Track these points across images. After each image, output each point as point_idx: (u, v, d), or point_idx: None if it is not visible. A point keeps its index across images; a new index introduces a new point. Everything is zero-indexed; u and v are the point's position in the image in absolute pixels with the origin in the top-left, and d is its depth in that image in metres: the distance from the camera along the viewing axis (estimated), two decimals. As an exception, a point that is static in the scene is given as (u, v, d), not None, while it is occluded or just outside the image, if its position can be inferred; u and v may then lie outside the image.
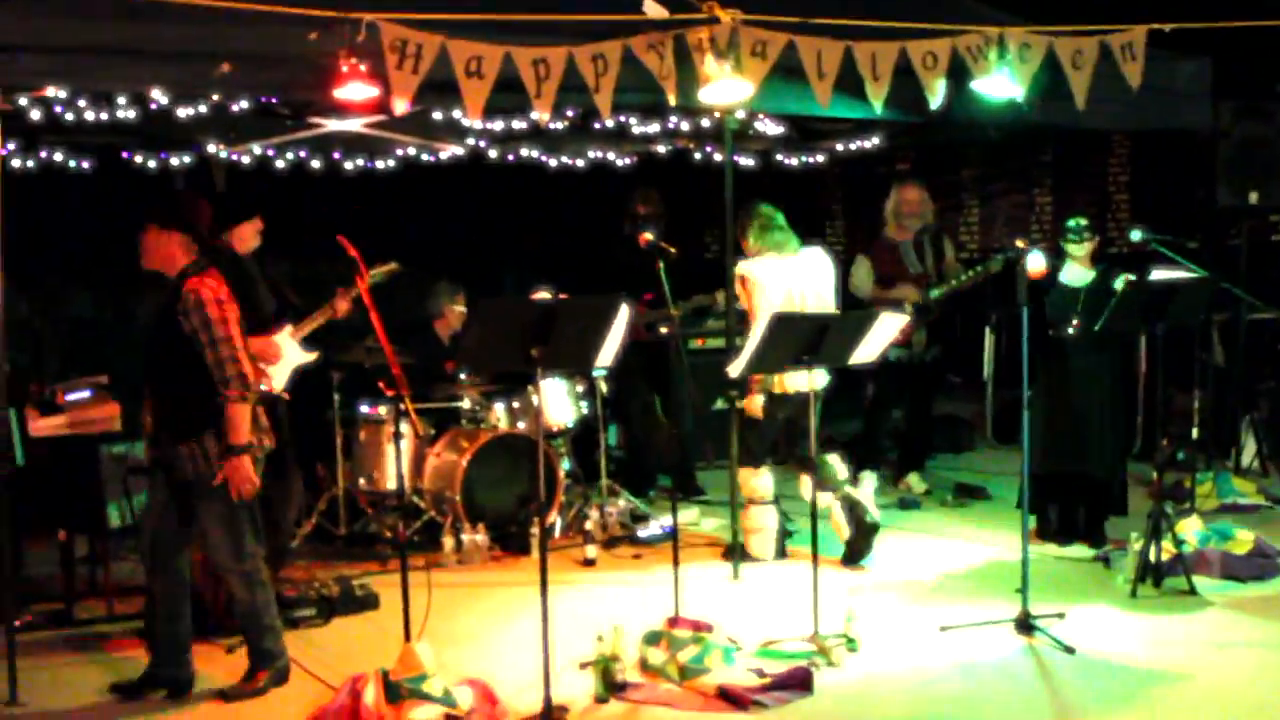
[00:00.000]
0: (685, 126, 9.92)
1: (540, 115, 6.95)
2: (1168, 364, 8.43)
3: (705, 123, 9.67)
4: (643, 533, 8.85)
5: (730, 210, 7.96)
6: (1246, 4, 8.17)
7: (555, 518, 8.91)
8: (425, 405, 8.86)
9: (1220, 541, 7.91)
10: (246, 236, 7.73)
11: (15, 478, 6.28)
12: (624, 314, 5.81)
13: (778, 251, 8.08)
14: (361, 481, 8.94)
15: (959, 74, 7.75)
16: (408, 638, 5.90)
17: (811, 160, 11.84)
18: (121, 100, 7.72)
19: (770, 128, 10.10)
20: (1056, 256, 8.28)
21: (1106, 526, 8.35)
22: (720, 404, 8.11)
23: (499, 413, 9.13)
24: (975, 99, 7.94)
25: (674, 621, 6.55)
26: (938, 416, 11.24)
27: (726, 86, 7.08)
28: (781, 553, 8.29)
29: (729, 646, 6.39)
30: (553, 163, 11.33)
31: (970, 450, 12.02)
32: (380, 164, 11.10)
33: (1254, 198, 10.61)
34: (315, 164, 10.68)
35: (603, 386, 9.30)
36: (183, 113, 7.96)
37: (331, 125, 9.18)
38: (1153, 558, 7.43)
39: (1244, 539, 7.93)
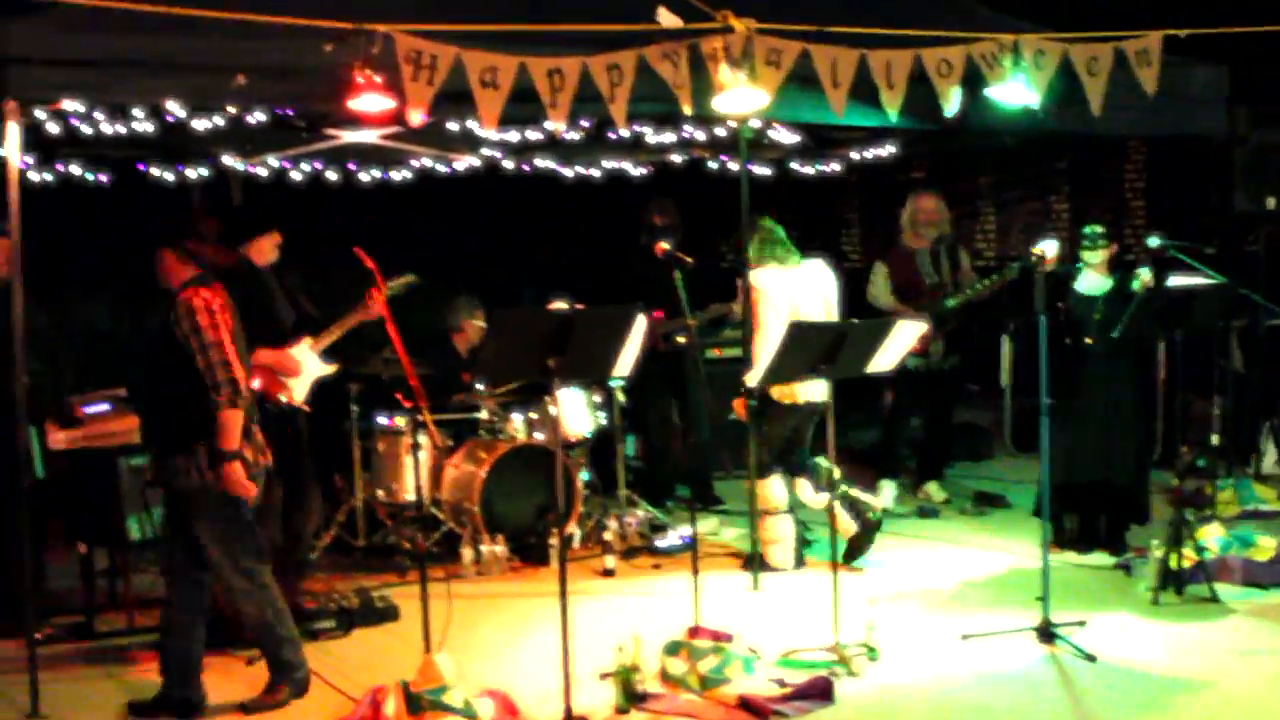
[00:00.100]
0: (700, 136, 9.90)
1: (555, 125, 6.96)
2: (1187, 370, 8.42)
3: (720, 132, 9.65)
4: (661, 543, 8.83)
5: (745, 220, 7.94)
6: (1263, 9, 8.14)
7: (574, 528, 8.90)
8: (443, 416, 8.86)
9: (1242, 548, 7.88)
10: (265, 250, 7.75)
11: (35, 491, 6.31)
12: (640, 324, 5.81)
13: (780, 264, 8.12)
14: (380, 493, 8.94)
15: (974, 81, 7.74)
16: (428, 649, 5.91)
17: (827, 169, 11.82)
18: (139, 113, 7.72)
19: (785, 136, 10.08)
20: (1073, 264, 8.25)
21: (1127, 534, 8.32)
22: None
23: (517, 424, 9.13)
24: (990, 106, 7.93)
25: (694, 631, 6.55)
26: (956, 425, 11.21)
27: (741, 95, 7.07)
28: (800, 562, 8.28)
29: (749, 656, 6.38)
30: (568, 173, 11.32)
31: (989, 458, 11.98)
32: (396, 175, 11.10)
33: (1271, 203, 10.59)
34: (331, 176, 10.68)
35: (620, 397, 9.30)
36: (199, 125, 7.97)
37: (347, 137, 9.19)
38: (1174, 565, 7.40)
39: (1266, 545, 7.90)
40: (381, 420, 8.99)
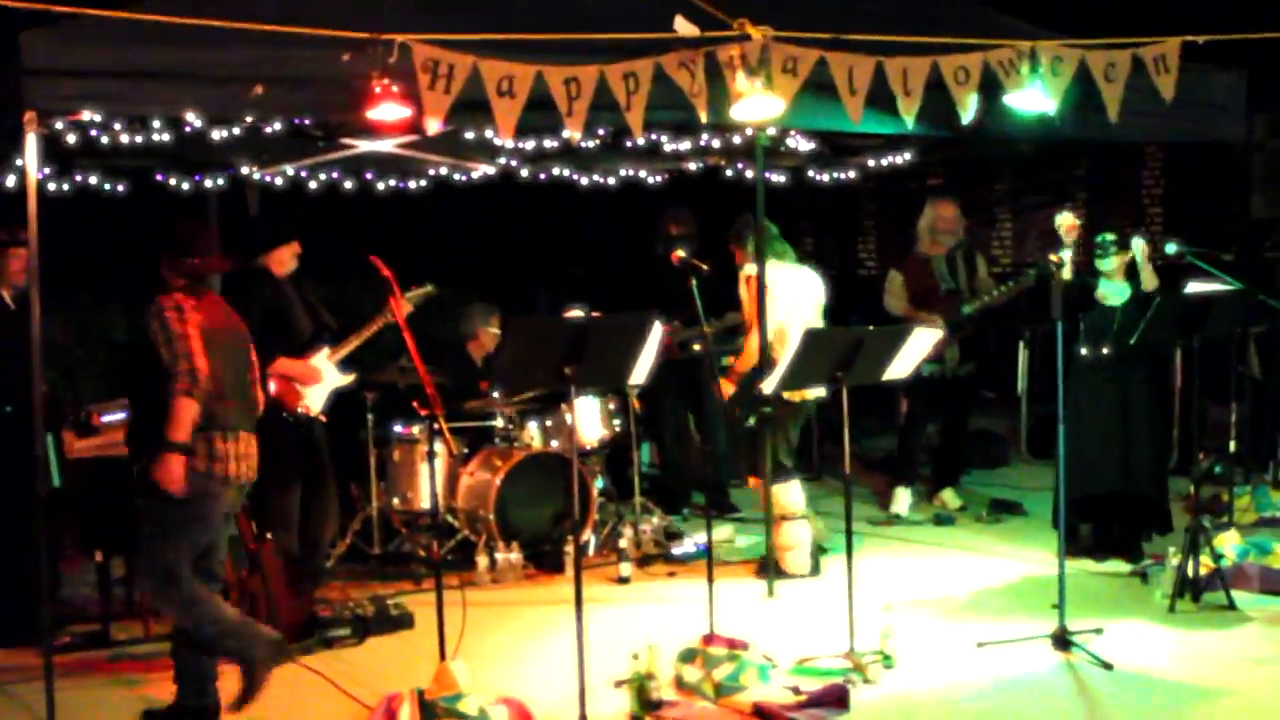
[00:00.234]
0: (716, 144, 9.91)
1: (572, 134, 6.96)
2: (1204, 377, 8.39)
3: (737, 140, 9.67)
4: (677, 550, 8.84)
5: (760, 226, 7.94)
6: (1282, 16, 8.14)
7: (589, 536, 8.91)
8: (459, 425, 8.88)
9: (1259, 555, 7.86)
10: (284, 260, 7.80)
11: (52, 499, 6.32)
12: (656, 331, 5.81)
13: (778, 258, 8.26)
14: (395, 501, 8.95)
15: (991, 88, 7.73)
16: (443, 657, 5.91)
17: (843, 176, 11.82)
18: (156, 123, 7.77)
19: (802, 144, 10.09)
20: (1091, 275, 8.23)
21: (1149, 542, 8.29)
22: (752, 421, 8.11)
23: (532, 431, 9.14)
24: (1007, 113, 7.92)
25: (709, 639, 6.54)
26: (972, 432, 11.19)
27: (758, 103, 7.07)
28: (816, 569, 8.27)
29: (764, 664, 6.37)
30: (584, 181, 11.34)
31: (1005, 466, 11.97)
32: (412, 184, 11.13)
33: (1289, 210, 10.57)
34: (348, 185, 10.72)
35: (636, 404, 9.30)
36: (216, 135, 8.00)
37: (364, 146, 9.22)
38: (1190, 572, 7.38)
39: (1283, 553, 7.89)
40: (397, 429, 9.00)
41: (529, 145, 9.53)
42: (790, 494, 8.21)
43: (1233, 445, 9.57)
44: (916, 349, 6.76)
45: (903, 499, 9.95)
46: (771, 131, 8.66)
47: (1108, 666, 6.39)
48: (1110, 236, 8.25)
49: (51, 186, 9.39)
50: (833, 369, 6.54)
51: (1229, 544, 7.90)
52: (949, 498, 10.22)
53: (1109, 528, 8.35)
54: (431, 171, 10.84)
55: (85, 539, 7.52)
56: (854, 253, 16.46)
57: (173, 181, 10.10)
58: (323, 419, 7.76)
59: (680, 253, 7.98)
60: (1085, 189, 14.51)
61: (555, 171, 11.03)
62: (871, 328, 6.76)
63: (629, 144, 9.36)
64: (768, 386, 6.90)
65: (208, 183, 10.25)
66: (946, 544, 9.16)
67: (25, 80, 6.03)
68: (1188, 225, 12.51)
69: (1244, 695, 6.11)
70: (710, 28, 7.08)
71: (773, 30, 7.12)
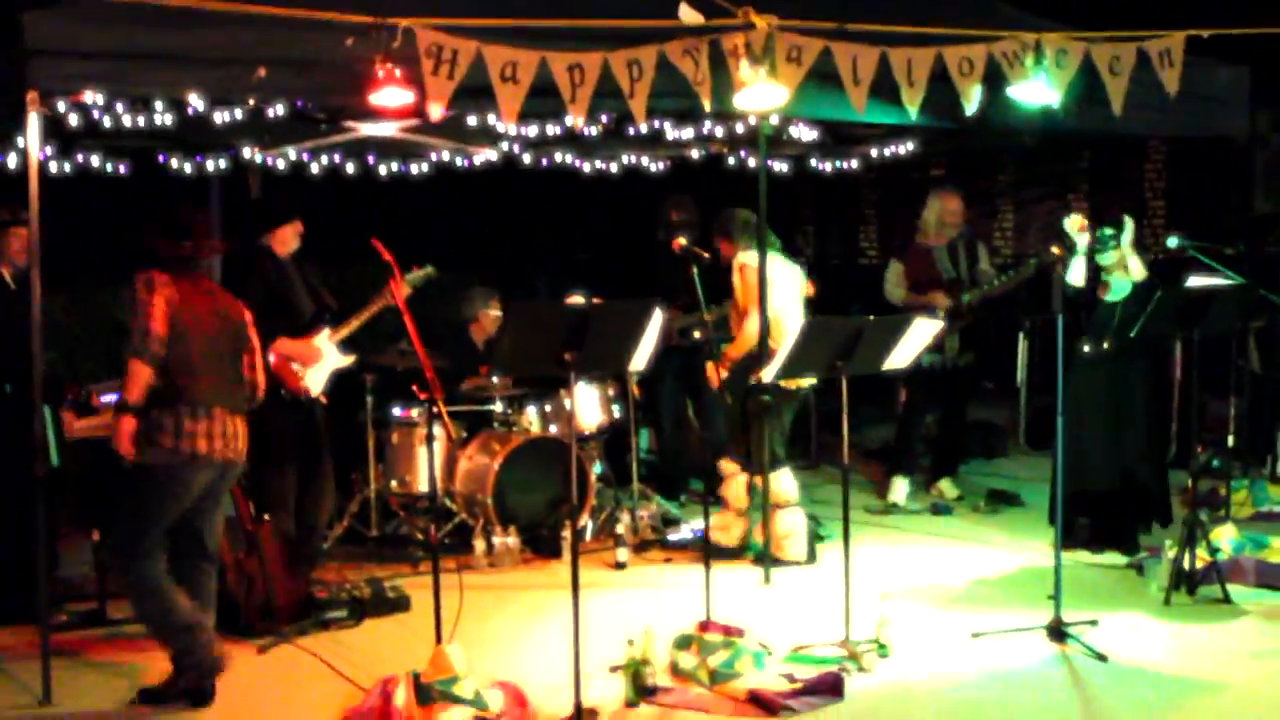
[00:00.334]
0: (720, 132, 9.91)
1: (575, 120, 6.96)
2: (1203, 371, 8.39)
3: (740, 128, 9.66)
4: (674, 536, 8.86)
5: (763, 215, 7.95)
6: (1286, 11, 8.13)
7: (586, 521, 8.92)
8: (457, 408, 8.89)
9: (1255, 549, 7.87)
10: (286, 239, 7.81)
11: (51, 478, 6.33)
12: (657, 318, 5.82)
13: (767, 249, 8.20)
14: (394, 484, 8.96)
15: (995, 80, 7.73)
16: (439, 640, 5.92)
17: (846, 166, 11.82)
18: (158, 105, 7.76)
19: (805, 133, 10.08)
20: (1095, 273, 8.21)
21: (1149, 534, 8.30)
22: (735, 403, 8.15)
23: (531, 416, 9.15)
24: (1011, 105, 7.91)
25: (705, 626, 6.55)
26: (971, 422, 11.20)
27: (761, 92, 7.07)
28: (813, 556, 8.29)
29: (760, 651, 6.39)
30: (586, 168, 11.33)
31: (1003, 456, 11.98)
32: (414, 168, 11.13)
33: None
34: (350, 168, 10.71)
35: (635, 390, 9.31)
36: (219, 117, 7.99)
37: (366, 130, 9.21)
38: (1187, 565, 7.39)
39: (1279, 547, 7.88)
40: (396, 411, 9.01)
41: (532, 131, 9.53)
42: (782, 481, 8.22)
43: (1231, 439, 9.60)
44: (917, 339, 6.77)
45: (900, 488, 9.96)
46: (775, 120, 8.65)
47: (1102, 658, 6.40)
48: (1110, 231, 8.24)
49: (53, 167, 9.38)
50: (833, 358, 6.55)
51: (1225, 538, 7.90)
52: (946, 487, 10.23)
53: (1105, 521, 8.35)
54: (434, 156, 10.83)
55: (83, 518, 7.54)
56: (855, 242, 16.47)
57: (174, 163, 10.10)
58: (323, 400, 7.76)
59: (681, 240, 8.00)
60: (1087, 182, 14.53)
61: (558, 158, 11.02)
62: (872, 317, 6.76)
63: (632, 131, 9.35)
64: (767, 374, 6.91)
65: (209, 165, 10.24)
66: (943, 534, 9.17)
67: (28, 60, 6.03)
68: (1189, 219, 12.52)
69: (1239, 688, 6.12)
70: (715, 16, 7.07)
71: (777, 19, 7.12)
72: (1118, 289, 8.14)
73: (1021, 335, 12.22)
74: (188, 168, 10.17)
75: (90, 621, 7.18)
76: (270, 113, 7.88)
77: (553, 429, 9.13)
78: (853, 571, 6.67)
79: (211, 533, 6.13)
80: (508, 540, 8.41)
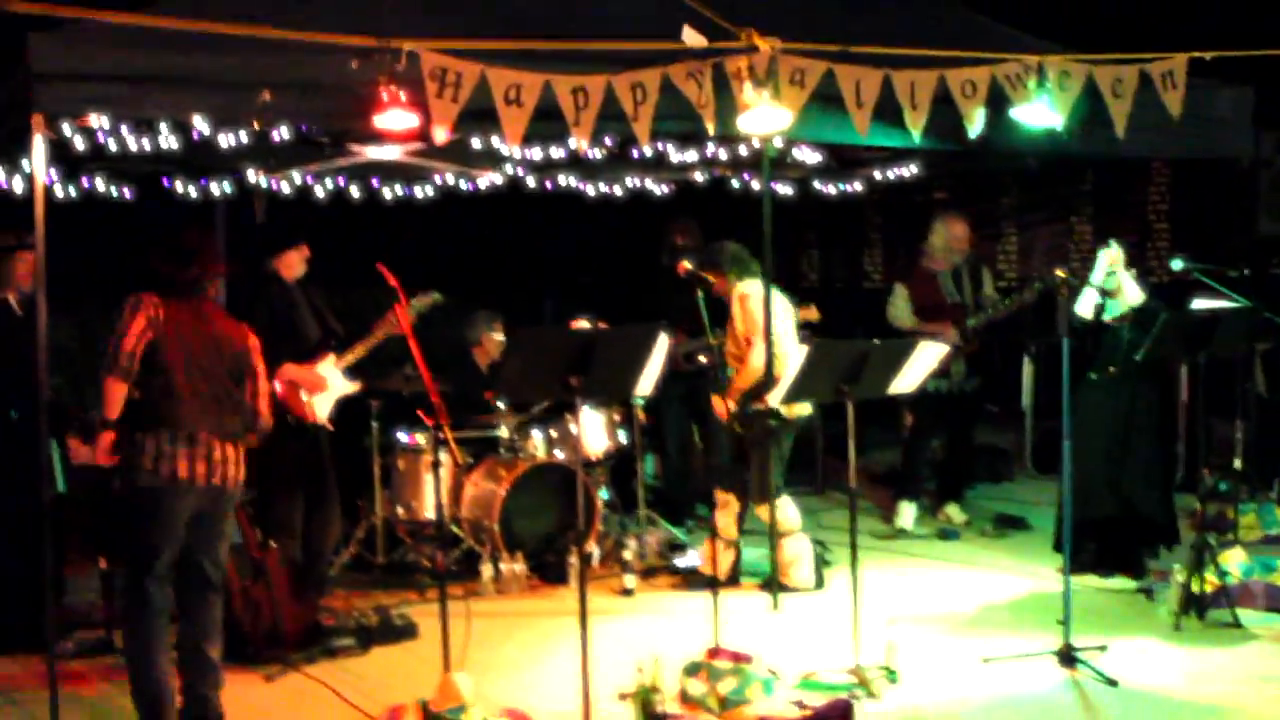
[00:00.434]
0: (723, 155, 9.91)
1: (579, 143, 6.97)
2: (1209, 394, 8.37)
3: (743, 151, 9.65)
4: (681, 562, 8.82)
5: (768, 239, 7.93)
6: (1289, 32, 8.14)
7: (593, 547, 8.89)
8: (463, 434, 8.87)
9: (1264, 573, 7.83)
10: (293, 264, 7.80)
11: (57, 505, 6.31)
12: (662, 343, 5.80)
13: (754, 278, 8.22)
14: (400, 510, 8.95)
15: (998, 102, 7.74)
16: (447, 667, 5.90)
17: (849, 189, 11.83)
18: (163, 128, 7.76)
19: (808, 156, 10.08)
20: (1101, 296, 8.19)
21: (1157, 558, 8.27)
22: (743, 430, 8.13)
23: (537, 442, 9.13)
24: (1014, 127, 7.92)
25: (714, 652, 6.51)
26: (977, 446, 11.17)
27: (765, 115, 7.07)
28: (820, 582, 8.26)
29: (769, 678, 6.34)
30: (591, 190, 11.34)
31: (1009, 480, 11.96)
32: (419, 191, 11.13)
33: (1296, 227, 10.55)
34: (355, 192, 10.71)
35: (641, 416, 9.29)
36: (224, 141, 7.99)
37: (371, 153, 9.21)
38: (1196, 590, 7.36)
39: (1288, 571, 7.86)
40: (402, 437, 9.00)
41: (536, 154, 9.53)
42: (784, 510, 8.19)
43: (1238, 462, 9.56)
44: (923, 363, 6.75)
45: (907, 513, 9.94)
46: (778, 143, 8.65)
47: (1113, 683, 6.37)
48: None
49: (59, 191, 9.39)
50: (838, 382, 6.53)
51: (1234, 561, 7.86)
52: (953, 512, 10.20)
53: (1111, 546, 8.32)
54: (438, 179, 10.84)
55: (89, 545, 7.51)
56: (860, 265, 16.45)
57: (180, 187, 10.10)
58: (329, 427, 7.74)
59: (686, 264, 7.99)
60: (1091, 204, 14.49)
61: (562, 181, 11.03)
62: (877, 341, 6.74)
63: (635, 154, 9.36)
64: (774, 399, 6.89)
65: (215, 189, 10.24)
66: (951, 559, 9.14)
67: (33, 84, 6.03)
68: (1194, 242, 12.49)
69: (1250, 713, 6.09)
70: (718, 39, 7.08)
71: (780, 42, 7.13)
72: (1111, 308, 8.13)
73: (1027, 359, 12.19)
74: (193, 191, 10.17)
75: (97, 650, 7.14)
76: (275, 136, 7.88)
77: (559, 455, 9.11)
78: (861, 597, 6.63)
79: (215, 564, 6.04)
80: (515, 567, 8.39)
